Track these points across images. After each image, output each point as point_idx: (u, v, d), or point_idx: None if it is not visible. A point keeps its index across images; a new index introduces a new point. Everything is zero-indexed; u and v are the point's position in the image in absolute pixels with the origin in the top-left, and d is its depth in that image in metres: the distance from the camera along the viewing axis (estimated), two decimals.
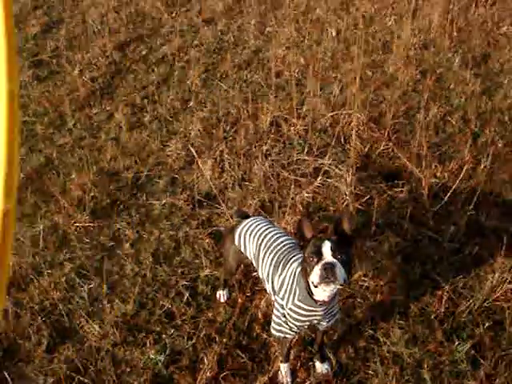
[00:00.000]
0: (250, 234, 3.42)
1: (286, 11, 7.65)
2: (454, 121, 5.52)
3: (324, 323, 3.19)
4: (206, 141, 5.37)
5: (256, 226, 3.45)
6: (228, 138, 5.40)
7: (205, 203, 4.67)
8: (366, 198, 4.57)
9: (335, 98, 5.72)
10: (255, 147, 5.18)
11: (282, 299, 3.12)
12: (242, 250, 3.48)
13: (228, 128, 5.52)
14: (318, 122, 5.45)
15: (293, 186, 4.63)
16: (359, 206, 4.53)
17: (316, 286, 2.78)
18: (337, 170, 4.83)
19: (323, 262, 2.70)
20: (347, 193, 4.60)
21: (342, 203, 4.58)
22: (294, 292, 3.03)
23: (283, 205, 4.55)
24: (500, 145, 5.26)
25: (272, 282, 3.24)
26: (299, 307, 3.01)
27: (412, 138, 5.18)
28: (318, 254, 2.72)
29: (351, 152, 4.97)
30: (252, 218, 3.59)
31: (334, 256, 2.70)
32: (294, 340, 3.46)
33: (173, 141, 5.41)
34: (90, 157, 5.19)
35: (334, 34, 6.97)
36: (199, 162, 4.83)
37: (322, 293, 2.87)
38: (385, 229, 4.36)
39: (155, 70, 6.62)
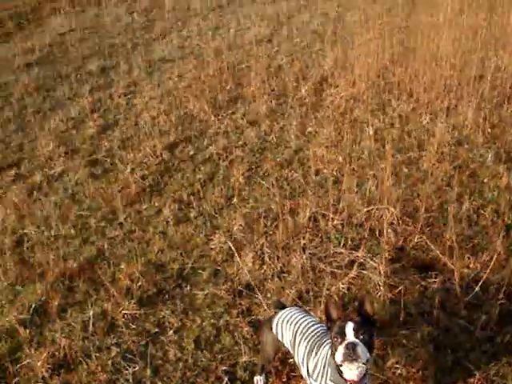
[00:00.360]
0: (287, 323, 3.66)
1: (326, 112, 8.08)
2: (487, 214, 5.67)
3: None
4: (247, 235, 5.65)
5: (292, 316, 3.71)
6: (268, 232, 5.67)
7: (245, 293, 4.91)
8: (399, 289, 4.73)
9: (371, 193, 5.97)
10: (294, 241, 5.43)
11: (316, 381, 3.30)
12: (279, 337, 3.71)
13: (269, 223, 5.79)
14: (354, 216, 5.69)
15: (329, 278, 4.87)
16: (392, 296, 4.70)
17: (341, 365, 2.98)
18: (371, 262, 5.04)
19: (346, 341, 2.93)
20: (381, 284, 4.79)
21: (376, 294, 4.75)
22: (326, 373, 3.22)
23: (319, 295, 4.75)
24: None
25: (307, 365, 3.43)
26: None
27: (445, 230, 5.36)
28: (342, 335, 2.95)
29: (385, 245, 5.19)
30: (288, 308, 3.85)
31: (356, 336, 2.93)
32: None
33: (216, 235, 5.71)
34: (138, 249, 5.52)
35: (371, 133, 7.31)
36: (239, 257, 5.11)
37: (350, 372, 3.05)
38: (417, 318, 4.50)
39: (201, 168, 7.02)
